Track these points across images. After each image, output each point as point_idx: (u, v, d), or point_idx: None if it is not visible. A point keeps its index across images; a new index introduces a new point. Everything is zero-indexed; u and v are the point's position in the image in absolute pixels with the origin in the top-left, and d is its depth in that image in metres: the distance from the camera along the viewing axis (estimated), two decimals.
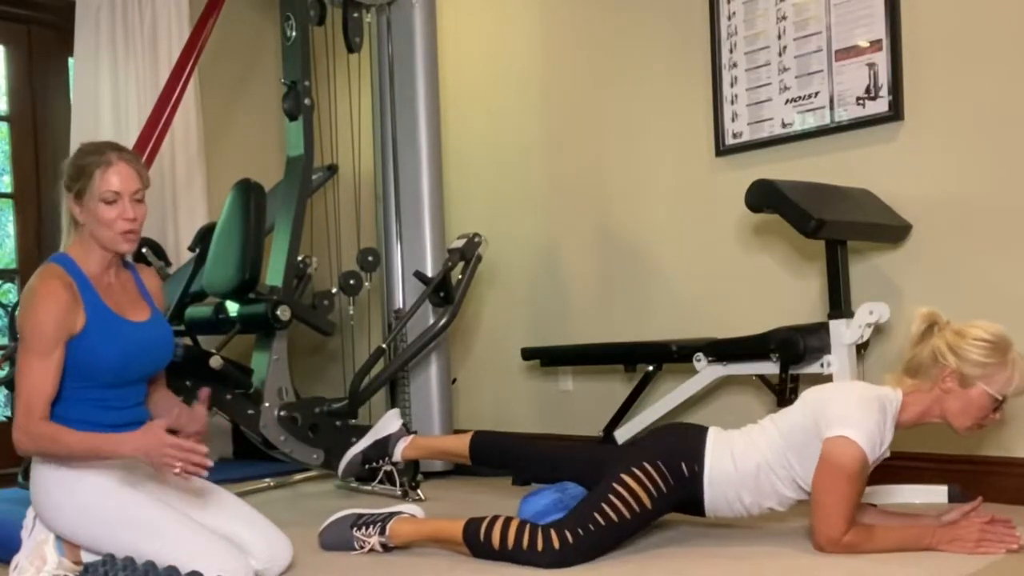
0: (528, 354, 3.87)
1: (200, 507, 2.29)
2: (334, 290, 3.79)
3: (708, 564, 2.32)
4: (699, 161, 3.69)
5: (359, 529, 2.55)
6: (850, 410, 2.28)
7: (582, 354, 3.76)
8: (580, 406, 4.07)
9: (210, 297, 3.79)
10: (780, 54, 3.45)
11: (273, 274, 3.64)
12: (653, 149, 3.85)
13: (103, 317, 2.22)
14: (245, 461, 4.38)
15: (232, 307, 3.60)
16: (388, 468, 3.26)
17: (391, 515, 2.57)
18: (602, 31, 4.01)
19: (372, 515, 2.59)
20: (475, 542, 2.38)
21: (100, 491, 2.16)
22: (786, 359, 2.98)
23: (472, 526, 2.39)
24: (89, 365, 2.19)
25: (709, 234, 3.66)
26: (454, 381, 4.20)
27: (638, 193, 3.90)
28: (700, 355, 3.29)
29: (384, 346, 3.71)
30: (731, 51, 3.58)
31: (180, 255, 4.33)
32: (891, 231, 3.10)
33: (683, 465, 2.40)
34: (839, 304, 2.93)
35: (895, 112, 3.15)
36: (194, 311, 3.82)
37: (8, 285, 4.48)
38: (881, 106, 3.19)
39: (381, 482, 3.45)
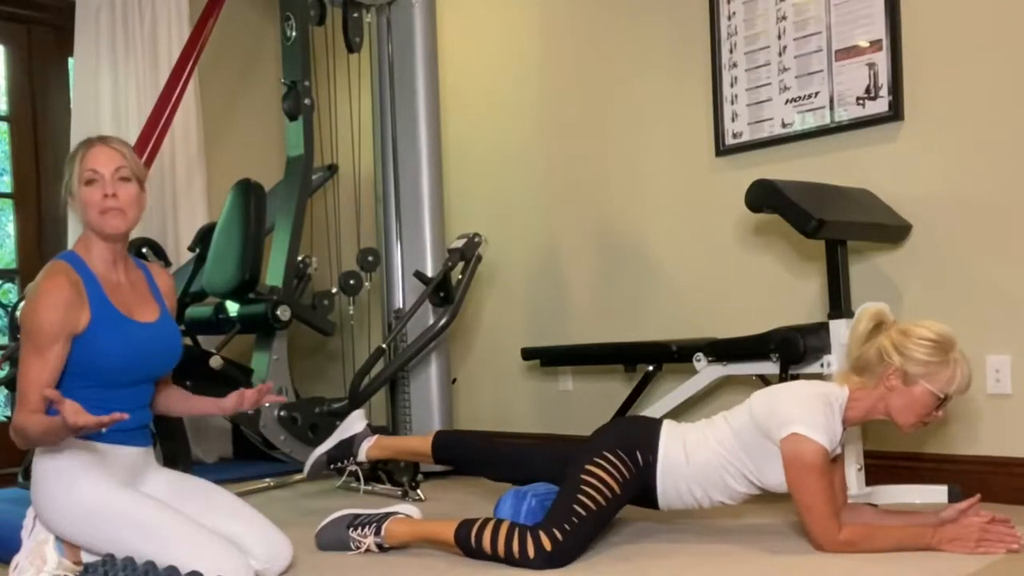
0: (528, 354, 3.87)
1: (200, 507, 2.29)
2: (334, 290, 3.80)
3: (708, 564, 2.32)
4: (699, 161, 3.69)
5: (355, 529, 2.55)
6: (797, 409, 2.32)
7: (582, 354, 3.76)
8: (580, 406, 4.07)
9: (210, 297, 3.79)
10: (780, 54, 3.45)
11: (273, 274, 3.65)
12: (653, 149, 3.85)
13: (108, 316, 2.21)
14: (245, 461, 4.39)
15: (232, 307, 3.61)
16: (353, 468, 3.30)
17: (387, 515, 2.56)
18: (602, 31, 4.01)
19: (368, 515, 2.59)
20: (467, 546, 2.38)
21: (100, 491, 2.16)
22: (786, 359, 2.99)
23: (463, 530, 2.39)
24: (92, 364, 2.18)
25: (709, 234, 3.66)
26: (454, 381, 4.20)
27: (638, 193, 3.90)
28: (700, 355, 3.29)
29: (384, 346, 3.71)
30: (731, 51, 3.58)
31: (180, 255, 4.33)
32: (891, 231, 3.10)
33: (638, 453, 2.46)
34: (839, 304, 2.94)
35: (895, 112, 3.15)
36: (194, 311, 3.83)
37: (8, 285, 4.48)
38: (881, 106, 3.19)
39: (367, 482, 3.48)
